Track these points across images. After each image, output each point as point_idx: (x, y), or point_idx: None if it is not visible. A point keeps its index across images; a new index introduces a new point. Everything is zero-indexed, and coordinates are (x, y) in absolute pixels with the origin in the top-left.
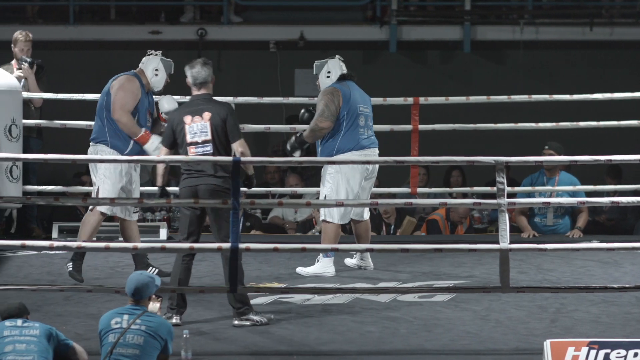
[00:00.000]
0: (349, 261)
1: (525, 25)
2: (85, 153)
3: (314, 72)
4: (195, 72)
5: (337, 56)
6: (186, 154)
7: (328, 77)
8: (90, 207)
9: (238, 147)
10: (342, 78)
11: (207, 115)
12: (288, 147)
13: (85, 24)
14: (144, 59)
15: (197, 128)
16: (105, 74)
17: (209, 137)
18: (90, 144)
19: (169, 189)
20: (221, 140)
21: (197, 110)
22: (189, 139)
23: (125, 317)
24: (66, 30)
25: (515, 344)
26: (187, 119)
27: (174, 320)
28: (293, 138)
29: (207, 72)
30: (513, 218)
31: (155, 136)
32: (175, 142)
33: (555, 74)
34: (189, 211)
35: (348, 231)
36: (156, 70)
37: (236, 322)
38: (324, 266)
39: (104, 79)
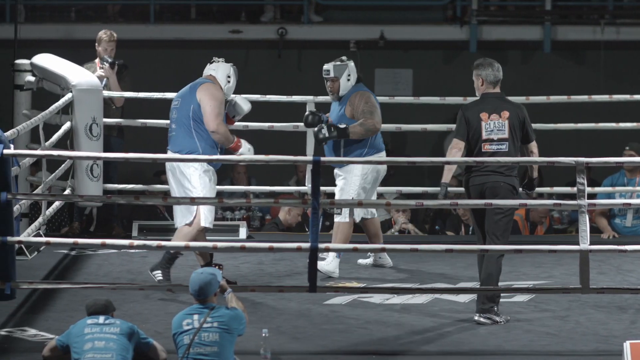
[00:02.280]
0: (363, 261)
1: (606, 25)
2: (165, 152)
3: (332, 74)
4: (494, 70)
5: (347, 58)
6: (479, 149)
7: (349, 80)
8: (187, 222)
9: (534, 147)
10: (358, 81)
11: (505, 114)
12: (325, 134)
13: (166, 23)
14: (211, 65)
15: (494, 125)
16: (185, 73)
17: (506, 135)
18: (176, 155)
19: (249, 187)
20: (515, 139)
21: (495, 108)
22: (484, 135)
23: (195, 316)
24: (147, 29)
25: (595, 345)
26: (484, 115)
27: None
28: (333, 129)
29: (501, 72)
30: (593, 219)
31: (244, 140)
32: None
33: (636, 74)
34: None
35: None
36: (229, 77)
37: (477, 317)
38: (335, 266)
39: (184, 78)
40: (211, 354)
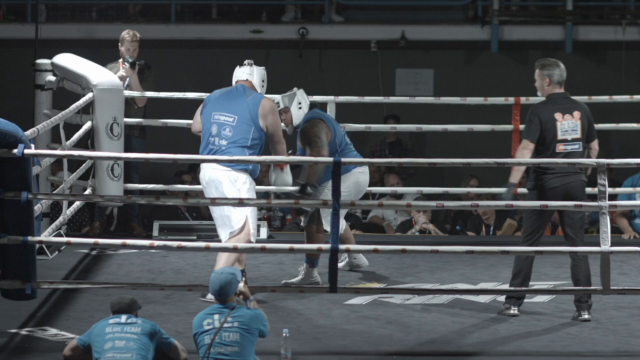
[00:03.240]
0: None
1: (628, 25)
2: (186, 152)
3: (282, 106)
4: (560, 70)
5: (297, 88)
6: (553, 150)
7: (300, 108)
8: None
9: (596, 144)
10: (312, 106)
11: (577, 114)
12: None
13: (187, 22)
14: (244, 69)
15: (569, 126)
16: (206, 73)
17: (579, 135)
18: (226, 168)
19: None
20: (584, 139)
21: (566, 108)
22: (559, 135)
23: (216, 316)
24: (167, 29)
25: (616, 346)
26: (558, 116)
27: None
28: (298, 192)
29: (565, 72)
30: (614, 220)
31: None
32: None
33: None
34: (537, 210)
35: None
36: (263, 81)
37: (586, 316)
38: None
39: (204, 78)
40: (232, 353)
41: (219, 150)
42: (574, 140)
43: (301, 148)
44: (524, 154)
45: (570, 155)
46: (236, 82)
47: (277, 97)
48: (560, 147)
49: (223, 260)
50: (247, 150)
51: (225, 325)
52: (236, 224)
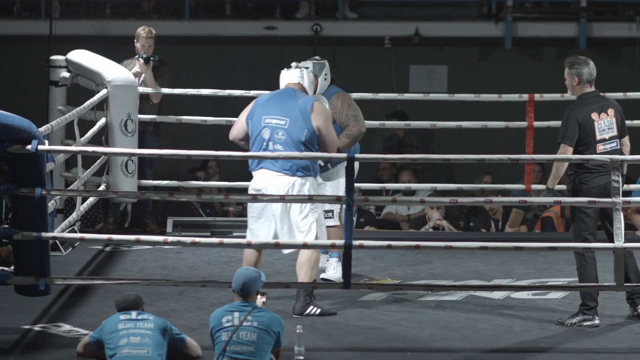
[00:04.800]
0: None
1: None
2: (201, 148)
3: (299, 82)
4: (589, 68)
5: (319, 58)
6: (594, 151)
7: (326, 79)
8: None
9: (628, 140)
10: (332, 81)
11: (611, 111)
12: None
13: (201, 19)
14: (296, 72)
15: (605, 125)
16: (220, 69)
17: (615, 132)
18: (291, 176)
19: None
20: (619, 135)
21: (602, 107)
22: (598, 135)
23: (236, 314)
24: (181, 25)
25: (630, 342)
26: (595, 116)
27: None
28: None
29: (595, 70)
30: (628, 216)
31: None
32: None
33: None
34: (590, 210)
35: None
36: (311, 84)
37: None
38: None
39: (218, 75)
40: (247, 352)
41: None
42: (611, 138)
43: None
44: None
45: (610, 154)
46: (287, 85)
47: (308, 63)
48: (600, 147)
49: (306, 256)
50: (301, 151)
51: (245, 323)
52: (303, 233)
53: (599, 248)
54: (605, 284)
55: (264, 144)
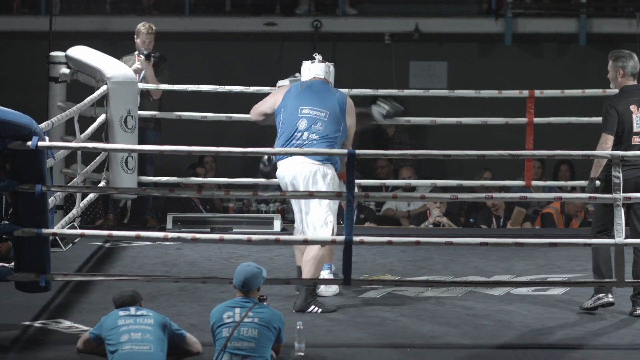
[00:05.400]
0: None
1: None
2: (201, 144)
3: (322, 76)
4: (634, 62)
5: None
6: (629, 143)
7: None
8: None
9: None
10: None
11: None
12: (388, 110)
13: (201, 15)
14: (322, 66)
15: None
16: (220, 65)
17: None
18: (315, 162)
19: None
20: None
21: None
22: (635, 128)
23: (237, 310)
24: (181, 21)
25: (630, 339)
26: (634, 108)
27: None
28: (389, 107)
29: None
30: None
31: None
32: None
33: None
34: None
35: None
36: (333, 80)
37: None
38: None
39: (218, 71)
40: (248, 348)
41: (307, 144)
42: None
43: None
44: (605, 149)
45: None
46: (313, 78)
47: (321, 68)
48: (635, 140)
49: (313, 253)
50: (335, 145)
51: (245, 320)
52: (327, 225)
53: (600, 244)
54: (606, 279)
55: (298, 133)
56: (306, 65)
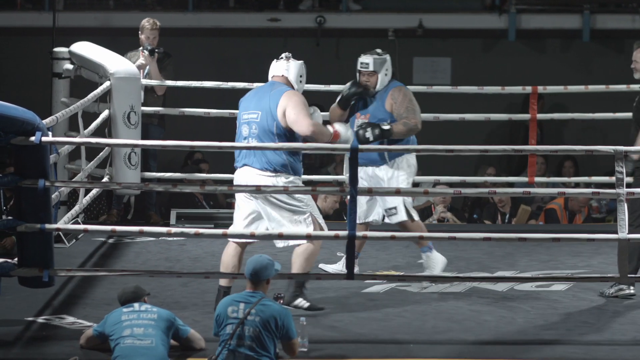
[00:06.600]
0: (329, 267)
1: None
2: (204, 139)
3: (371, 68)
4: None
5: (382, 51)
6: None
7: (386, 75)
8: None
9: None
10: (393, 75)
11: None
12: (369, 136)
13: (204, 11)
14: (280, 63)
15: None
16: (223, 61)
17: None
18: (273, 174)
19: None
20: None
21: None
22: None
23: (242, 305)
24: (185, 17)
25: (633, 334)
26: None
27: None
28: (377, 130)
29: None
30: None
31: (339, 124)
32: None
33: None
34: None
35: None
36: (301, 76)
37: None
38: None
39: (222, 66)
40: (250, 347)
41: (252, 151)
42: None
43: (388, 110)
44: None
45: None
46: (272, 78)
47: (367, 58)
48: None
49: (303, 248)
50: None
51: (248, 317)
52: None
53: (603, 239)
54: (609, 275)
55: (245, 141)
56: (271, 65)
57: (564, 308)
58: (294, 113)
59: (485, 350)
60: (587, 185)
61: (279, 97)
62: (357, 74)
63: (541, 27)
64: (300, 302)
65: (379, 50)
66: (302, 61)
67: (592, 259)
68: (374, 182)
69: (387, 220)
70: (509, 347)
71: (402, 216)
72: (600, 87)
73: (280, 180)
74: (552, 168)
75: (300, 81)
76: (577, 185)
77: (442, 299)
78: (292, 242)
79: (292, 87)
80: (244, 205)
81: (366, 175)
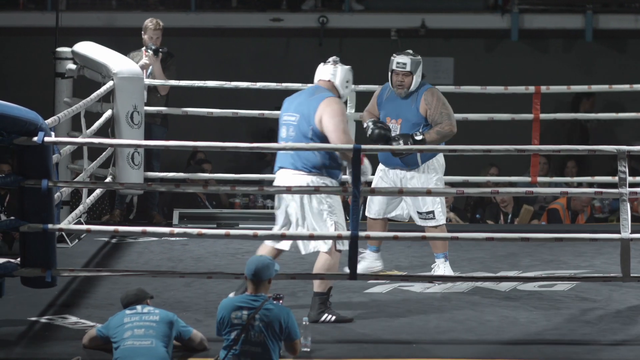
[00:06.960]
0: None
1: None
2: (207, 139)
3: (408, 68)
4: None
5: (412, 52)
6: None
7: (419, 76)
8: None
9: None
10: (423, 77)
11: None
12: (402, 150)
13: (207, 11)
14: (327, 67)
15: None
16: (226, 61)
17: None
18: (308, 175)
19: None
20: None
21: None
22: None
23: (245, 312)
24: (187, 17)
25: (636, 334)
26: None
27: None
28: (410, 142)
29: None
30: (635, 207)
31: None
32: None
33: None
34: None
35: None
36: (347, 82)
37: None
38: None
39: (225, 66)
40: (254, 353)
41: (288, 153)
42: None
43: (422, 114)
44: None
45: None
46: (317, 82)
47: (404, 58)
48: None
49: (321, 263)
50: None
51: (252, 323)
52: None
53: (606, 239)
54: (612, 274)
55: (282, 142)
56: (317, 68)
57: (566, 308)
58: (332, 123)
59: (488, 350)
60: (590, 185)
61: (318, 103)
62: (390, 74)
63: (544, 27)
64: (327, 317)
65: (410, 51)
66: (349, 66)
67: (595, 259)
68: (405, 184)
69: (419, 222)
70: (511, 347)
71: (440, 221)
72: (603, 87)
73: (315, 180)
74: (555, 169)
75: (347, 86)
76: (579, 185)
77: (444, 299)
78: (312, 246)
79: (338, 92)
80: (279, 213)
81: (397, 178)
